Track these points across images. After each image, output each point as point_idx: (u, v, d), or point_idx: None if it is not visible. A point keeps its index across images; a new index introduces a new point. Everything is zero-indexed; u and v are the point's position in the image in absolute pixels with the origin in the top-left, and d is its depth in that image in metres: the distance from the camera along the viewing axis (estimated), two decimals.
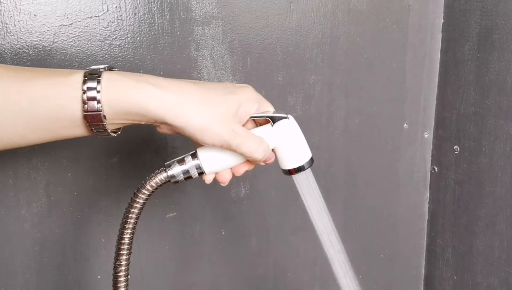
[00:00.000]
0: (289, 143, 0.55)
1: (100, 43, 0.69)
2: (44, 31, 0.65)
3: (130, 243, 0.56)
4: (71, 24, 0.67)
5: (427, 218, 1.06)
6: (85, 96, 0.45)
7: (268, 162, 0.55)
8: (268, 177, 0.87)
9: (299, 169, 0.56)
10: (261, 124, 0.56)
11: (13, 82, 0.44)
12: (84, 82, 0.45)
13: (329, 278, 1.00)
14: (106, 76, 0.46)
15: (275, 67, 0.82)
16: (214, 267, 0.86)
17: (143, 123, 0.48)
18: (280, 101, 0.84)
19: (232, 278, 0.88)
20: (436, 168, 1.02)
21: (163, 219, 0.80)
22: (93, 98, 0.45)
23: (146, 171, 0.77)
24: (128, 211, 0.55)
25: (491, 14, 0.86)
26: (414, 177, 1.02)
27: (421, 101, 0.99)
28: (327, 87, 0.88)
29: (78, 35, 0.67)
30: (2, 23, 0.63)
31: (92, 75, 0.45)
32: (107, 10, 0.68)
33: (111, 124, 0.47)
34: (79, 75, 0.45)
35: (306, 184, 0.58)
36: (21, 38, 0.64)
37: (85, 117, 0.45)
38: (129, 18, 0.70)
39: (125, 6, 0.69)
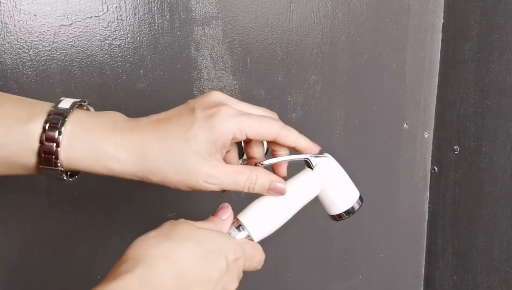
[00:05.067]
0: (334, 186, 0.49)
1: (100, 43, 0.69)
2: (44, 31, 0.65)
3: None
4: (71, 24, 0.67)
5: (427, 218, 1.05)
6: (42, 151, 0.41)
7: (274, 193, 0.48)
8: None
9: (349, 212, 0.49)
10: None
11: None
12: (44, 131, 0.41)
13: (329, 278, 1.00)
14: (69, 128, 0.41)
15: (275, 67, 0.82)
16: None
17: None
18: (280, 101, 0.84)
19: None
20: (436, 168, 1.02)
21: (163, 219, 0.80)
22: (50, 153, 0.41)
23: None
24: None
25: (491, 14, 0.86)
26: (414, 177, 1.02)
27: (421, 101, 0.99)
28: (327, 87, 0.88)
29: (78, 35, 0.67)
30: (2, 23, 0.63)
31: (54, 126, 0.41)
32: (107, 10, 0.68)
33: (68, 172, 0.43)
34: (38, 124, 0.41)
35: None
36: (21, 38, 0.64)
37: (40, 170, 0.42)
38: (129, 18, 0.70)
39: (125, 6, 0.69)
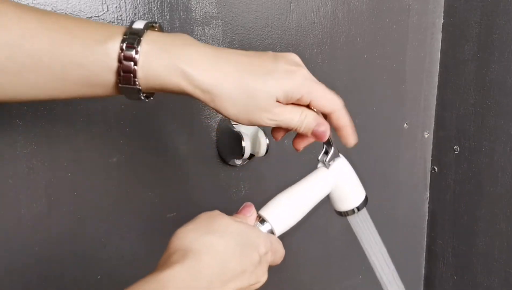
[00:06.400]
0: (345, 185, 0.54)
1: None
2: None
3: None
4: None
5: (427, 218, 1.05)
6: (121, 70, 0.43)
7: (320, 131, 0.50)
8: (267, 177, 0.87)
9: (354, 210, 0.55)
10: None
11: (46, 44, 0.42)
12: (122, 51, 0.42)
13: (329, 278, 1.00)
14: (145, 48, 0.43)
15: None
16: None
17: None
18: None
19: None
20: (436, 168, 1.02)
21: (163, 219, 0.80)
22: (129, 72, 0.43)
23: (146, 171, 0.77)
24: None
25: (491, 14, 0.86)
26: (414, 177, 1.02)
27: (421, 101, 0.99)
28: (327, 87, 0.88)
29: None
30: None
31: (131, 46, 0.43)
32: (107, 10, 0.68)
33: (145, 92, 0.45)
34: (115, 44, 0.43)
35: (361, 223, 0.56)
36: None
37: (119, 89, 0.44)
38: (129, 18, 0.70)
39: (125, 6, 0.69)
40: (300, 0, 0.82)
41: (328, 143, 0.53)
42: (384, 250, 0.59)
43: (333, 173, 0.53)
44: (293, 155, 0.88)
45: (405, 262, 1.07)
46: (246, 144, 0.71)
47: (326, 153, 0.53)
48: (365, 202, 0.56)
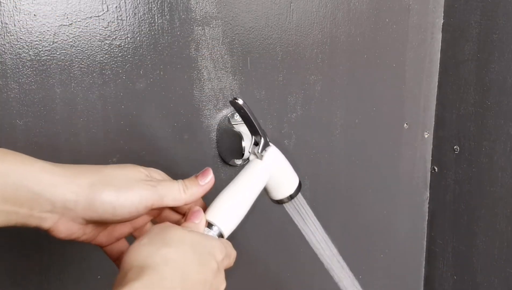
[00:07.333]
0: (279, 173, 0.54)
1: (100, 43, 0.69)
2: (44, 31, 0.65)
3: None
4: (71, 24, 0.67)
5: (427, 218, 1.05)
6: None
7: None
8: None
9: (291, 197, 0.55)
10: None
11: None
12: None
13: (329, 278, 1.00)
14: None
15: (275, 67, 0.82)
16: None
17: (35, 215, 0.44)
18: (280, 101, 0.84)
19: (231, 278, 0.88)
20: (436, 168, 1.02)
21: None
22: None
23: None
24: None
25: (491, 14, 0.86)
26: (414, 177, 1.02)
27: (421, 101, 0.99)
28: (327, 87, 0.88)
29: (78, 35, 0.67)
30: (2, 23, 0.63)
31: None
32: (107, 10, 0.68)
33: None
34: None
35: (298, 209, 0.56)
36: (21, 38, 0.64)
37: None
38: (129, 18, 0.70)
39: (125, 6, 0.69)
40: (300, 0, 0.82)
41: (257, 133, 0.53)
42: (324, 233, 0.59)
43: (267, 163, 0.52)
44: (292, 155, 0.88)
45: (405, 262, 1.07)
46: (246, 144, 0.71)
47: (256, 144, 0.53)
48: (299, 188, 0.55)
